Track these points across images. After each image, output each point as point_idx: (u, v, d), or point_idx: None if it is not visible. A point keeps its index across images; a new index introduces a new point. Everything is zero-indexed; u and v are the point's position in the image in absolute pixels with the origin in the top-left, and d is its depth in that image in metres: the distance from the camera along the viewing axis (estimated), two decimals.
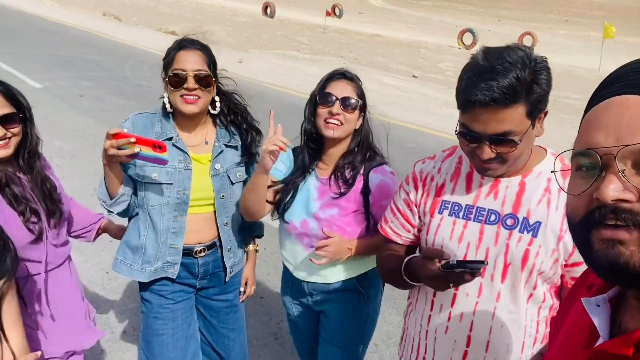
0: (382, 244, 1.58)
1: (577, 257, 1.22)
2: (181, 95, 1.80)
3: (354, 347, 1.96)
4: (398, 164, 1.97)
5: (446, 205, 1.37)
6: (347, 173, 1.82)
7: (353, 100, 1.77)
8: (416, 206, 1.45)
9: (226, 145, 1.96)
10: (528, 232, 1.27)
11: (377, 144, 1.92)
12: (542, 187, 1.29)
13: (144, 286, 1.99)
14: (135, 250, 1.94)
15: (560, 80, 13.72)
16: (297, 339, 2.19)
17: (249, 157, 2.02)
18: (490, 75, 1.12)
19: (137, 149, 1.66)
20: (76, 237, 2.10)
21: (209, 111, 1.93)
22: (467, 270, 1.15)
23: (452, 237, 1.34)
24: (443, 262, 1.18)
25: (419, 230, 1.47)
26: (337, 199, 1.81)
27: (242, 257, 2.12)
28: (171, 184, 1.86)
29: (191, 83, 1.79)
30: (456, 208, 1.36)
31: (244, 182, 2.02)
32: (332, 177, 1.84)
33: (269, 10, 25.29)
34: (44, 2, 22.86)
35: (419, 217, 1.45)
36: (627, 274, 0.61)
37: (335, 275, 1.88)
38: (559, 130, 7.61)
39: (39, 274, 1.73)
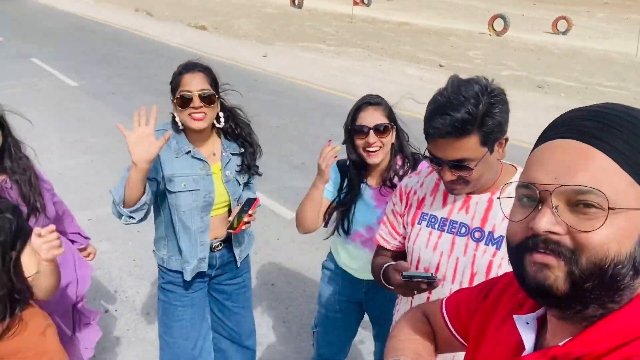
0: (376, 249, 1.76)
1: None
2: (189, 114, 2.03)
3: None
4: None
5: (425, 217, 1.54)
6: (396, 181, 2.00)
7: (385, 125, 1.95)
8: (401, 216, 1.62)
9: (232, 154, 2.22)
10: (492, 244, 1.41)
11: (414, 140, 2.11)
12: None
13: (166, 278, 2.24)
14: (180, 252, 2.19)
15: (594, 67, 13.24)
16: (333, 333, 2.35)
17: (247, 169, 2.24)
18: (446, 110, 1.29)
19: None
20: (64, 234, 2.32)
21: (214, 125, 2.16)
22: (423, 280, 1.35)
23: (428, 246, 1.51)
24: (402, 273, 1.40)
25: (405, 238, 1.64)
26: None
27: (246, 243, 2.37)
28: (199, 189, 2.11)
29: (197, 102, 2.01)
30: (433, 220, 1.52)
31: (244, 184, 2.29)
32: (382, 187, 2.04)
33: (296, 0, 25.36)
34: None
35: (404, 227, 1.62)
36: (551, 295, 0.68)
37: None
38: None
39: None
